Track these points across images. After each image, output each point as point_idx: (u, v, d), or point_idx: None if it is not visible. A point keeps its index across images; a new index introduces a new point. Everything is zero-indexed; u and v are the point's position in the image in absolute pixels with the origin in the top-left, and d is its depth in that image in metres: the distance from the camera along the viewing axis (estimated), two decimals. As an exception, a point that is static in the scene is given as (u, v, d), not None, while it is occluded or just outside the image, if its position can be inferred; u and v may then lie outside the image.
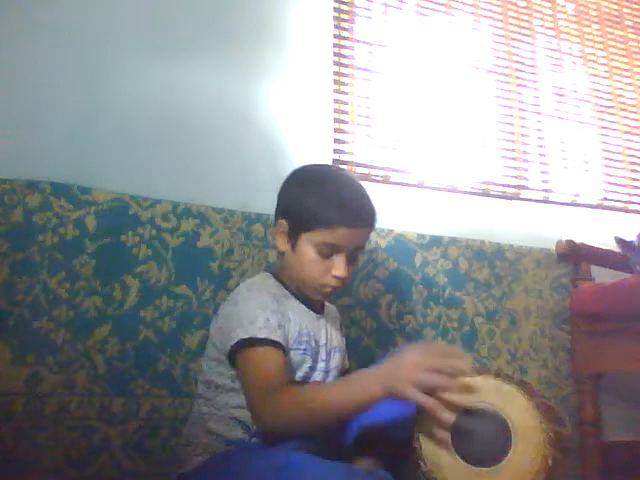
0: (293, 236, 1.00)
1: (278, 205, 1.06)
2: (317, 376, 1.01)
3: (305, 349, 0.99)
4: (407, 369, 0.78)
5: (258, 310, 0.93)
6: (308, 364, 0.99)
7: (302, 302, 1.03)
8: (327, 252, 0.98)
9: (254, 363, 0.89)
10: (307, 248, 0.98)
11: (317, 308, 1.07)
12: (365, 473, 0.79)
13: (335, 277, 0.98)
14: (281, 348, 0.91)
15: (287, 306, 1.00)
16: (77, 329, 1.13)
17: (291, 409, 0.83)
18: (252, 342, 0.90)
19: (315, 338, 1.02)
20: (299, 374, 0.98)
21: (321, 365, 1.02)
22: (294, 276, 1.03)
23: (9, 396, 1.06)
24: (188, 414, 1.05)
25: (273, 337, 0.91)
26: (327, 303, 1.15)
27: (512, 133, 1.84)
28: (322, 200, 0.98)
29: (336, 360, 1.08)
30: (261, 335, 0.90)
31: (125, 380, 1.15)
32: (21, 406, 1.06)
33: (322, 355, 1.03)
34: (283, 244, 1.03)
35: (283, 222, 1.02)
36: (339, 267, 0.98)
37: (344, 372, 1.13)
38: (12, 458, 1.04)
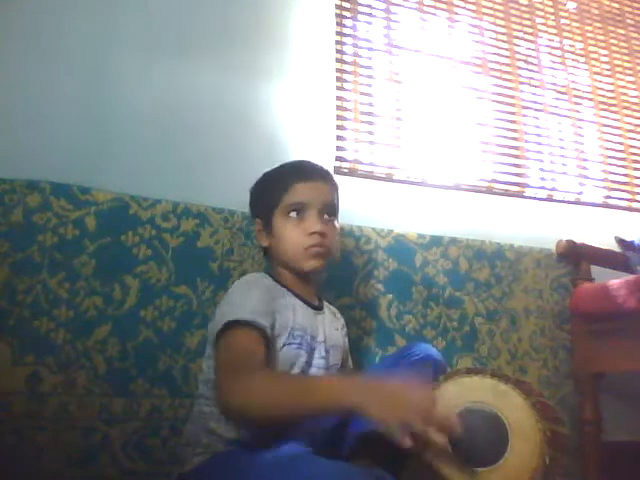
0: (268, 225, 1.07)
1: (251, 215, 1.15)
2: (315, 372, 1.02)
3: (300, 343, 1.00)
4: (405, 410, 0.75)
5: (247, 299, 0.95)
6: (303, 359, 1.00)
7: (299, 298, 1.05)
8: (297, 214, 1.04)
9: (233, 341, 0.90)
10: (280, 222, 1.05)
11: (315, 304, 1.08)
12: (364, 472, 0.80)
13: (312, 234, 1.02)
14: (264, 334, 0.92)
15: (282, 301, 1.01)
16: (77, 329, 1.13)
17: (252, 388, 0.83)
18: (236, 324, 0.91)
19: (311, 333, 1.03)
20: (295, 369, 0.99)
21: (319, 362, 1.03)
22: (282, 259, 1.06)
23: (9, 396, 1.07)
24: (188, 414, 1.05)
25: (258, 320, 0.92)
26: (328, 304, 1.15)
27: (514, 131, 1.84)
28: (274, 176, 1.10)
29: (336, 358, 1.08)
30: (246, 317, 0.91)
31: (125, 380, 1.15)
32: (21, 406, 1.06)
33: (321, 352, 1.04)
34: (265, 239, 1.09)
35: (257, 220, 1.10)
36: (312, 223, 1.03)
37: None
38: (12, 458, 1.04)
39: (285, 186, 1.05)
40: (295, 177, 1.06)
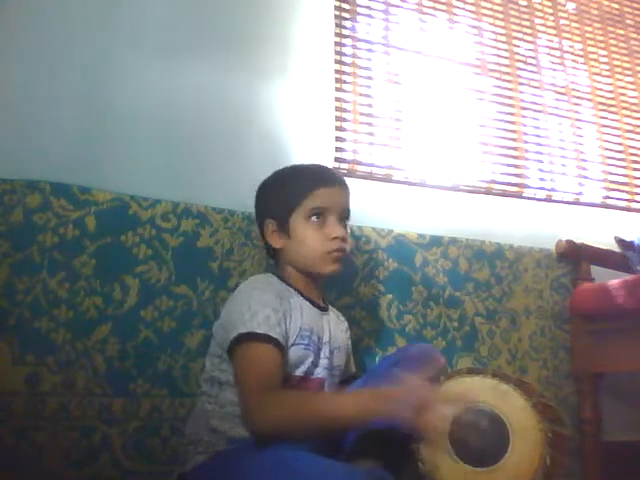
0: (284, 226, 1.06)
1: (258, 215, 1.13)
2: (320, 372, 1.02)
3: (308, 344, 1.00)
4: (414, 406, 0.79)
5: (259, 307, 0.94)
6: (310, 359, 1.00)
7: (305, 299, 1.05)
8: (318, 219, 1.04)
9: (251, 359, 0.91)
10: (300, 225, 1.04)
11: (321, 305, 1.08)
12: (365, 472, 0.80)
13: (335, 239, 1.03)
14: (279, 346, 0.92)
15: (290, 302, 1.01)
16: (77, 329, 1.13)
17: (283, 412, 0.85)
18: (251, 337, 0.91)
19: (318, 334, 1.03)
20: (302, 368, 0.99)
21: (324, 362, 1.03)
22: (299, 261, 1.06)
23: (9, 396, 1.06)
24: (188, 413, 1.06)
25: (272, 334, 0.92)
26: (332, 308, 1.15)
27: (514, 132, 1.84)
28: (296, 177, 1.09)
29: (339, 359, 1.09)
30: (260, 331, 0.91)
31: (125, 380, 1.15)
32: (21, 406, 1.06)
33: (325, 352, 1.04)
34: (278, 241, 1.08)
35: (270, 221, 1.08)
36: (334, 228, 1.04)
37: (348, 378, 1.14)
38: (12, 458, 1.04)
39: (308, 190, 1.05)
40: (318, 182, 1.06)
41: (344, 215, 1.08)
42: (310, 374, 1.00)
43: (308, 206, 1.04)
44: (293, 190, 1.06)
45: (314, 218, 1.04)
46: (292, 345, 0.97)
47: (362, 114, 1.62)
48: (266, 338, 0.91)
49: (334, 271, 1.05)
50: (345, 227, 1.08)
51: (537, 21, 2.00)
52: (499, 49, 1.90)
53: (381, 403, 0.82)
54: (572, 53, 2.03)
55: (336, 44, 1.64)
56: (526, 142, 1.85)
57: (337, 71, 1.62)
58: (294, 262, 1.07)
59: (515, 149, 1.82)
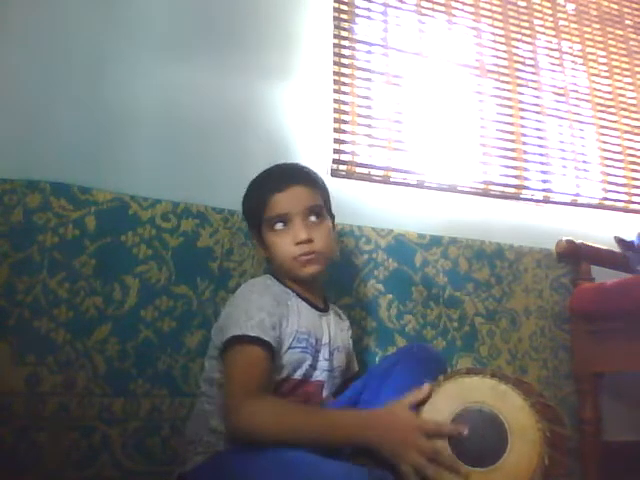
0: (261, 239, 1.07)
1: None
2: (319, 375, 1.02)
3: (305, 347, 1.00)
4: (408, 445, 0.80)
5: (255, 310, 0.95)
6: (308, 362, 1.00)
7: (303, 300, 1.05)
8: (281, 226, 1.03)
9: (240, 362, 0.91)
10: (269, 236, 1.05)
11: (320, 307, 1.08)
12: (365, 472, 0.80)
13: (299, 243, 1.01)
14: (271, 350, 0.92)
15: (288, 305, 1.01)
16: (77, 329, 1.13)
17: (264, 419, 0.84)
18: (243, 339, 0.91)
19: (316, 336, 1.03)
20: (299, 372, 0.99)
21: (323, 364, 1.03)
22: (280, 270, 1.06)
23: (9, 396, 1.06)
24: (188, 413, 1.06)
25: (265, 337, 0.92)
26: (333, 305, 1.16)
27: (512, 133, 1.84)
28: (251, 190, 1.10)
29: (339, 360, 1.09)
30: (253, 333, 0.91)
31: (125, 380, 1.15)
32: (21, 406, 1.06)
33: (325, 354, 1.04)
34: (262, 251, 1.10)
35: (254, 233, 1.11)
36: (297, 232, 1.02)
37: (351, 377, 1.14)
38: (12, 458, 1.03)
39: (264, 200, 1.04)
40: (270, 189, 1.04)
41: (312, 213, 1.04)
42: (309, 377, 1.00)
43: (268, 217, 1.04)
44: (254, 204, 1.08)
45: (279, 225, 1.03)
46: (289, 349, 0.97)
47: (361, 115, 1.62)
48: (258, 341, 0.91)
49: (310, 273, 1.04)
50: (319, 224, 1.05)
51: (536, 22, 2.01)
52: (498, 50, 1.90)
53: (370, 433, 0.83)
54: (571, 54, 2.03)
55: (335, 45, 1.64)
56: (525, 143, 1.84)
57: (336, 72, 1.62)
58: (278, 270, 1.08)
59: (514, 150, 1.82)
